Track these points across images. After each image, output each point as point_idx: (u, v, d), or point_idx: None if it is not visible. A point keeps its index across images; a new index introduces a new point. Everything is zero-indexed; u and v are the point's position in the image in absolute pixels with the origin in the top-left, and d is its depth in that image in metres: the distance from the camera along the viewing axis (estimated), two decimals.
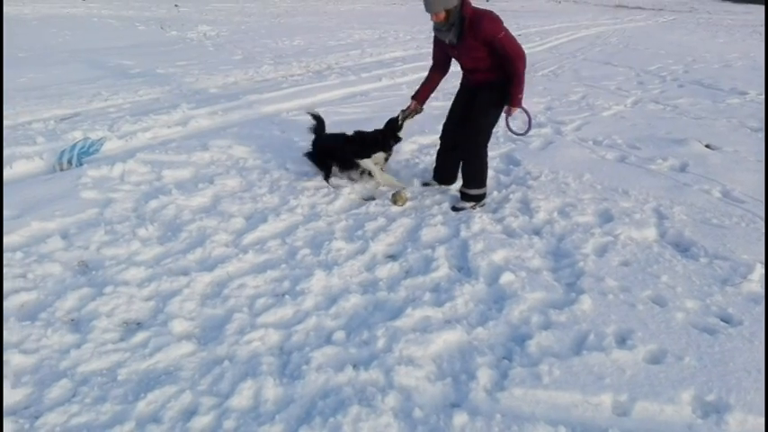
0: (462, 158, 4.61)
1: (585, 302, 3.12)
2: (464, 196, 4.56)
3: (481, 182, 4.53)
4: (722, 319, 3.02)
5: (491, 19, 4.03)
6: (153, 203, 4.44)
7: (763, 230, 4.03)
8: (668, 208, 4.40)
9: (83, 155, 5.39)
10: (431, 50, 4.60)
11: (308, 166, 5.41)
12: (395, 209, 4.53)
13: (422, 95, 4.70)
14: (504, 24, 4.11)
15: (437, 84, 4.70)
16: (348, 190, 4.87)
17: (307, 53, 13.54)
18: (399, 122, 4.83)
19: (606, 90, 9.50)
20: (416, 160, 5.67)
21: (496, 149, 6.02)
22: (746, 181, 4.99)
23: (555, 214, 4.30)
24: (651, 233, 4.01)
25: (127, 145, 5.98)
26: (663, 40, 18.35)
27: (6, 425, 2.31)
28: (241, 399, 2.49)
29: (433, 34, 4.42)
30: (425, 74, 4.75)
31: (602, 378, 2.56)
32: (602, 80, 10.46)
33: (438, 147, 4.94)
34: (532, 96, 8.86)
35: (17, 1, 23.91)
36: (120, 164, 5.12)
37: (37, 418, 2.36)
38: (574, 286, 3.34)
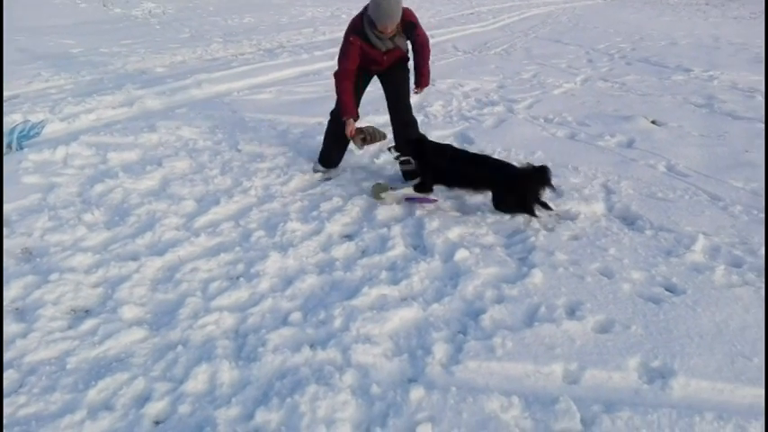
0: (408, 134, 4.60)
1: (537, 276, 3.20)
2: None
3: None
4: (667, 289, 3.14)
5: (410, 13, 4.26)
6: (99, 187, 4.29)
7: (706, 203, 4.19)
8: (616, 183, 4.53)
9: (23, 138, 5.15)
10: None
11: (262, 147, 5.32)
12: (350, 189, 4.51)
13: (354, 109, 4.43)
14: None
15: (357, 93, 4.50)
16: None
17: (257, 31, 13.25)
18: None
19: (557, 68, 9.65)
20: None
21: (450, 128, 6.06)
22: (690, 155, 5.18)
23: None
24: (600, 207, 4.12)
25: (69, 127, 5.75)
26: (611, 19, 18.72)
27: None
28: (196, 383, 2.46)
29: (345, 44, 4.24)
30: None
31: (552, 348, 2.63)
32: (553, 58, 10.62)
33: (326, 132, 4.81)
34: (484, 75, 8.94)
35: None
36: (62, 147, 4.92)
37: None
38: (525, 261, 3.41)
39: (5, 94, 7.02)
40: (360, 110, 4.66)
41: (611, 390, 2.44)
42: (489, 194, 4.11)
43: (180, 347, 2.67)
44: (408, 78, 4.59)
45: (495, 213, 4.02)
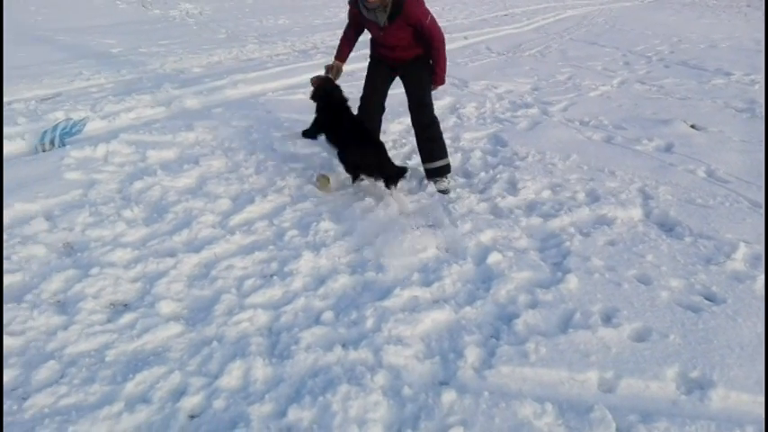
0: (427, 136, 4.57)
1: (572, 282, 3.16)
2: (439, 171, 4.56)
3: (446, 150, 4.63)
4: (706, 298, 3.07)
5: (418, 4, 4.12)
6: (138, 184, 4.39)
7: (747, 210, 4.08)
8: (653, 188, 4.44)
9: (65, 135, 5.30)
10: None
11: (296, 147, 5.37)
12: (383, 189, 4.52)
13: (344, 55, 4.75)
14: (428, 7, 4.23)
15: (355, 42, 4.75)
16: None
17: (292, 32, 13.37)
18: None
19: (593, 70, 9.51)
20: (404, 140, 5.65)
21: (483, 130, 6.02)
22: (731, 161, 5.04)
23: (542, 194, 4.32)
24: (637, 213, 4.05)
25: (110, 125, 5.89)
26: (649, 21, 18.36)
27: None
28: (230, 379, 2.49)
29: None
30: None
31: (587, 356, 2.60)
32: (589, 60, 10.46)
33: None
34: (519, 76, 8.86)
35: None
36: (103, 144, 5.05)
37: (25, 399, 2.35)
38: (560, 266, 3.37)
39: (48, 91, 7.24)
40: (390, 110, 4.77)
41: (647, 400, 2.40)
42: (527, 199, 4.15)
43: (215, 343, 2.72)
44: (424, 77, 4.46)
45: (529, 217, 3.98)
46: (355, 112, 4.68)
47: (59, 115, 5.91)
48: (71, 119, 5.69)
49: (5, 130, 5.46)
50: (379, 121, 4.74)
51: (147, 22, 14.19)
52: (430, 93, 4.53)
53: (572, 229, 3.78)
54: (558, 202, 4.18)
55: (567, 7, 22.98)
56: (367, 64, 4.70)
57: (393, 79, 4.64)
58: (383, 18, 4.12)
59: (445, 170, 4.58)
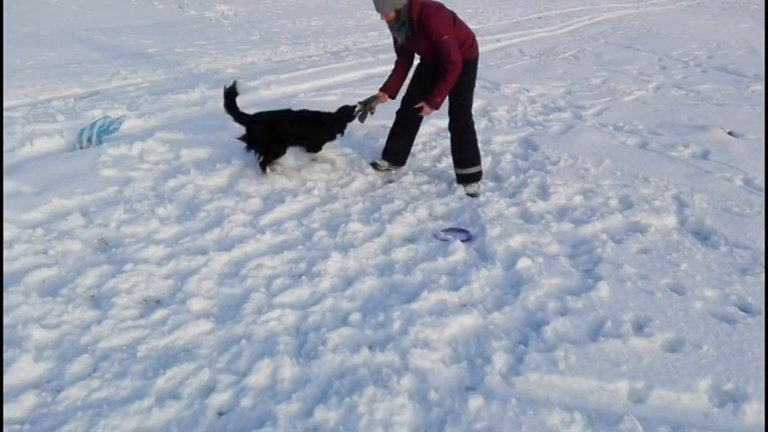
0: (461, 142, 4.56)
1: (603, 289, 3.10)
2: (470, 178, 4.56)
3: (478, 157, 4.60)
4: (741, 309, 2.99)
5: (438, 20, 4.08)
6: (171, 182, 4.47)
7: None
8: (689, 195, 4.34)
9: (102, 133, 5.43)
10: None
11: (325, 148, 5.39)
12: (412, 192, 4.52)
13: (391, 88, 4.67)
14: (454, 18, 4.25)
15: (406, 74, 4.68)
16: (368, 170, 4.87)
17: (324, 34, 13.47)
18: (354, 113, 4.78)
19: (628, 75, 9.35)
20: (434, 143, 5.64)
21: (514, 133, 5.97)
22: None
23: (574, 200, 4.26)
24: (671, 221, 3.96)
25: (146, 124, 6.01)
26: (687, 25, 17.97)
27: (29, 398, 2.35)
28: (258, 377, 2.52)
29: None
30: None
31: (618, 365, 2.55)
32: (624, 65, 10.29)
33: (393, 124, 4.84)
34: (552, 80, 8.76)
35: None
36: (138, 143, 5.15)
37: (59, 391, 2.40)
38: (591, 273, 3.32)
39: (85, 90, 7.43)
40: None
41: (679, 411, 2.34)
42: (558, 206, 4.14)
43: (244, 341, 2.75)
44: (463, 80, 4.28)
45: (560, 222, 3.93)
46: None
47: (97, 113, 6.06)
48: (108, 117, 5.83)
49: (45, 126, 5.63)
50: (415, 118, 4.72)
51: (183, 23, 14.45)
52: (469, 96, 4.48)
53: (604, 236, 3.72)
54: (589, 208, 4.12)
55: (603, 10, 22.65)
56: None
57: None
58: (406, 33, 4.20)
59: (476, 177, 4.57)
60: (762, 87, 8.38)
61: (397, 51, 4.62)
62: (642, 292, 3.10)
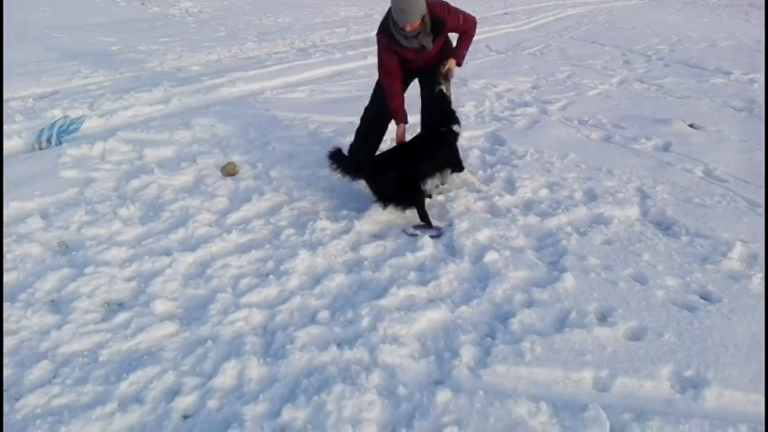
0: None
1: (568, 281, 3.14)
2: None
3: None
4: (702, 297, 3.06)
5: (451, 12, 4.00)
6: (134, 183, 4.38)
7: (745, 209, 4.07)
8: (651, 187, 4.43)
9: (62, 133, 5.29)
10: None
11: (294, 146, 5.36)
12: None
13: (405, 115, 4.23)
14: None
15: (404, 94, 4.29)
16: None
17: (291, 30, 13.36)
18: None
19: (592, 69, 9.49)
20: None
21: (481, 128, 6.01)
22: (729, 160, 5.03)
23: (539, 193, 4.31)
24: (634, 212, 4.03)
25: (107, 123, 5.89)
26: (649, 20, 18.32)
27: None
28: (225, 378, 2.49)
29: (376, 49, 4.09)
30: None
31: (583, 354, 2.59)
32: (589, 59, 10.44)
33: (368, 123, 4.50)
34: (518, 75, 8.84)
35: None
36: (100, 143, 5.04)
37: (17, 399, 2.34)
38: (557, 265, 3.36)
39: (46, 89, 7.23)
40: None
41: (642, 398, 2.39)
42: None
43: (209, 343, 2.71)
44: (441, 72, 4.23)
45: (527, 215, 3.97)
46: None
47: (57, 113, 5.92)
48: (68, 117, 5.69)
49: (5, 128, 5.45)
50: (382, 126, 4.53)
51: (146, 20, 14.18)
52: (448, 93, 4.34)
53: (569, 228, 3.77)
54: (555, 201, 4.17)
55: (568, 6, 22.94)
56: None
57: (411, 82, 4.44)
58: (429, 41, 3.93)
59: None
60: (722, 80, 8.59)
61: (391, 72, 4.11)
62: (606, 283, 3.15)
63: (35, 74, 7.98)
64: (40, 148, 5.09)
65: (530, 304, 2.98)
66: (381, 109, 4.29)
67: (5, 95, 6.84)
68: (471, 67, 9.53)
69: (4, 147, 5.07)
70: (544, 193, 4.31)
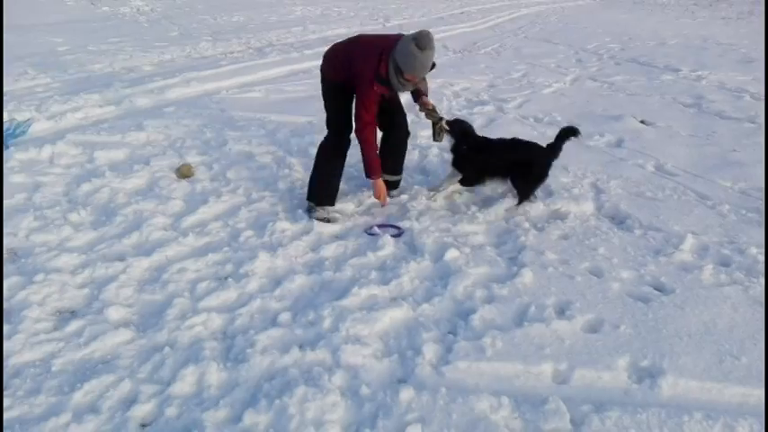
0: (401, 150, 4.38)
1: (527, 276, 3.19)
2: (396, 184, 4.43)
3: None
4: (655, 288, 3.15)
5: None
6: (85, 187, 4.25)
7: (695, 202, 4.21)
8: (605, 182, 4.54)
9: (9, 137, 5.08)
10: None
11: (251, 146, 5.28)
12: (340, 187, 4.48)
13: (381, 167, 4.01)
14: None
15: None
16: None
17: (247, 29, 13.18)
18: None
19: (546, 68, 9.68)
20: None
21: None
22: (679, 155, 5.20)
23: (498, 191, 4.36)
24: (589, 207, 4.13)
25: (56, 126, 5.69)
26: (601, 19, 18.81)
27: None
28: (183, 385, 2.43)
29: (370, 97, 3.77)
30: None
31: (542, 348, 2.63)
32: (543, 58, 10.65)
33: (334, 155, 4.13)
34: (474, 74, 8.95)
35: None
36: (48, 146, 4.87)
37: None
38: (516, 260, 3.41)
39: None
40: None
41: (600, 390, 2.44)
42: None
43: (167, 349, 2.64)
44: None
45: (486, 212, 4.01)
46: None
47: (3, 116, 5.66)
48: (15, 120, 5.46)
49: None
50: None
51: (96, 20, 13.77)
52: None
53: (527, 224, 3.83)
54: (513, 199, 4.22)
55: (521, 6, 23.35)
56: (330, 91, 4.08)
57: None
58: (424, 85, 4.10)
59: (397, 185, 4.45)
60: (671, 77, 8.88)
61: (372, 122, 3.85)
62: (563, 277, 3.21)
63: None
64: None
65: (490, 300, 3.01)
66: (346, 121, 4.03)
67: None
68: None
69: None
70: (502, 189, 4.36)
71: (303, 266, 3.43)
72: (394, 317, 2.90)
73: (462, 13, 19.58)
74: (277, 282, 3.25)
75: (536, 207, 4.08)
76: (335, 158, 4.13)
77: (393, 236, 3.73)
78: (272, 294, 3.12)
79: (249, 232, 3.77)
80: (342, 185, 4.48)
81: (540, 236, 3.68)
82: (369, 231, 3.83)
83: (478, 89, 7.93)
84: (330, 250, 3.59)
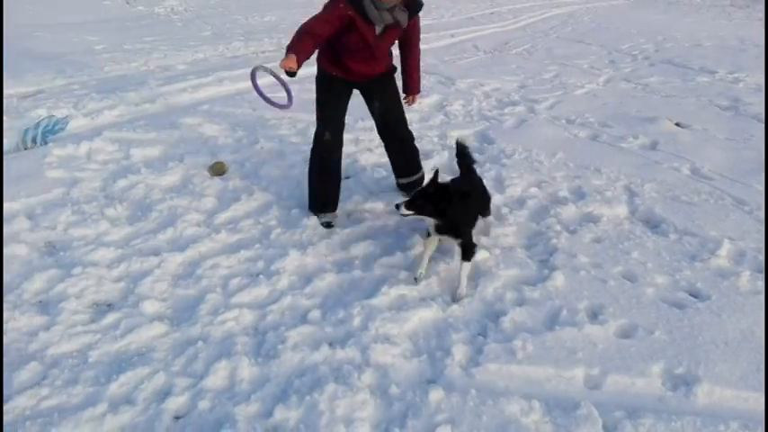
0: (405, 150, 4.19)
1: (558, 279, 3.16)
2: (415, 184, 4.23)
3: (420, 163, 4.34)
4: (691, 294, 3.09)
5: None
6: (121, 182, 4.33)
7: (732, 207, 4.11)
8: (639, 185, 4.46)
9: (48, 133, 5.21)
10: None
11: (282, 145, 5.33)
12: (370, 187, 4.49)
13: (305, 51, 3.36)
14: None
15: (311, 52, 3.48)
16: None
17: (278, 29, 13.28)
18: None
19: (579, 69, 9.55)
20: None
21: (470, 127, 6.02)
22: (715, 158, 5.09)
23: (529, 191, 4.33)
24: (622, 210, 4.06)
25: (93, 123, 5.80)
26: (634, 20, 18.48)
27: None
28: (216, 379, 2.47)
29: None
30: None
31: (574, 352, 2.60)
32: (575, 59, 10.51)
33: (316, 169, 3.97)
34: (505, 74, 8.88)
35: None
36: (86, 142, 4.98)
37: (6, 401, 2.30)
38: (547, 263, 3.38)
39: (30, 89, 7.12)
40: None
41: (633, 396, 2.41)
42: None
43: (200, 343, 2.69)
44: (398, 90, 4.00)
45: (516, 214, 3.98)
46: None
47: (41, 113, 5.81)
48: (54, 116, 5.59)
49: None
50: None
51: (131, 19, 14.02)
52: (400, 102, 4.04)
53: (558, 227, 3.79)
54: (544, 200, 4.19)
55: (553, 5, 23.07)
56: (318, 81, 3.90)
57: (350, 95, 3.97)
58: (404, 17, 3.51)
59: (420, 182, 4.29)
60: (707, 79, 8.68)
61: (311, 26, 3.37)
62: (596, 281, 3.17)
63: (18, 73, 7.84)
64: (26, 148, 5.01)
65: (521, 302, 2.99)
66: (337, 123, 3.91)
67: None
68: (458, 66, 9.55)
69: None
70: (533, 191, 4.33)
71: (333, 264, 3.45)
72: (423, 317, 2.90)
73: (493, 13, 19.43)
74: (307, 279, 3.28)
75: (568, 209, 4.03)
76: (318, 163, 3.96)
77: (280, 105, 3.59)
78: (302, 292, 3.15)
79: (280, 230, 3.80)
80: (370, 185, 4.51)
81: (572, 238, 3.64)
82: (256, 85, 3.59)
83: (509, 89, 7.87)
84: (360, 249, 3.61)
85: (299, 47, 3.33)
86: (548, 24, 16.77)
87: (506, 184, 4.43)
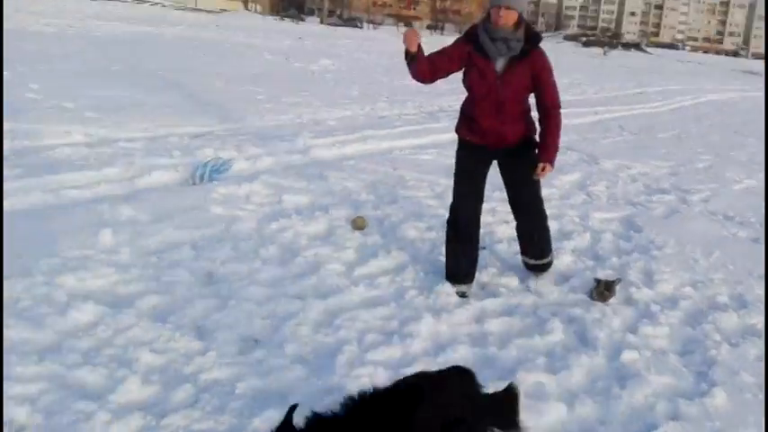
0: (540, 234, 4.03)
1: (719, 397, 2.86)
2: (545, 267, 4.17)
3: (551, 244, 4.16)
4: None
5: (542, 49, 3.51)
6: (274, 225, 4.63)
7: None
8: None
9: (214, 172, 5.74)
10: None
11: (420, 207, 5.45)
12: (509, 260, 4.43)
13: (422, 53, 3.56)
14: None
15: (433, 74, 3.72)
16: None
17: (420, 93, 13.81)
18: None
19: (736, 161, 8.95)
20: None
21: (614, 211, 5.80)
22: None
23: (682, 291, 4.03)
24: None
25: (253, 167, 6.31)
26: None
27: (135, 419, 2.43)
28: None
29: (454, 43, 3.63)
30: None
31: None
32: (732, 150, 9.88)
33: (450, 240, 3.96)
34: (653, 159, 8.52)
35: (155, 20, 26.21)
36: (246, 184, 5.41)
37: (162, 417, 2.47)
38: (705, 376, 3.07)
39: (200, 129, 7.92)
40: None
41: None
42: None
43: (337, 394, 2.73)
44: (533, 161, 3.68)
45: (668, 314, 3.70)
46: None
47: (209, 152, 6.44)
48: (220, 158, 6.17)
49: (162, 160, 6.05)
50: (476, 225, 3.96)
51: (290, 74, 15.30)
52: (538, 184, 3.84)
53: (717, 336, 3.47)
54: (700, 303, 3.88)
55: (707, 92, 22.02)
56: (457, 152, 3.94)
57: (489, 165, 3.86)
58: (518, 47, 3.39)
59: (548, 267, 4.19)
60: None
61: (437, 62, 3.64)
62: (763, 406, 2.84)
63: (190, 114, 8.79)
64: (194, 184, 5.54)
65: (675, 417, 2.72)
66: (468, 203, 3.89)
67: (165, 131, 7.57)
68: (603, 145, 9.34)
69: (163, 179, 5.58)
70: (688, 291, 4.03)
71: (467, 337, 3.40)
72: (561, 412, 2.75)
73: (640, 93, 18.91)
74: (441, 347, 3.25)
75: (728, 318, 3.69)
76: (454, 235, 3.92)
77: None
78: (434, 360, 3.12)
79: (414, 292, 3.84)
80: (507, 258, 4.45)
81: (734, 352, 3.31)
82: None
83: (658, 175, 7.52)
84: (495, 325, 3.53)
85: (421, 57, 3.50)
86: (700, 110, 16.00)
87: (656, 279, 4.16)
